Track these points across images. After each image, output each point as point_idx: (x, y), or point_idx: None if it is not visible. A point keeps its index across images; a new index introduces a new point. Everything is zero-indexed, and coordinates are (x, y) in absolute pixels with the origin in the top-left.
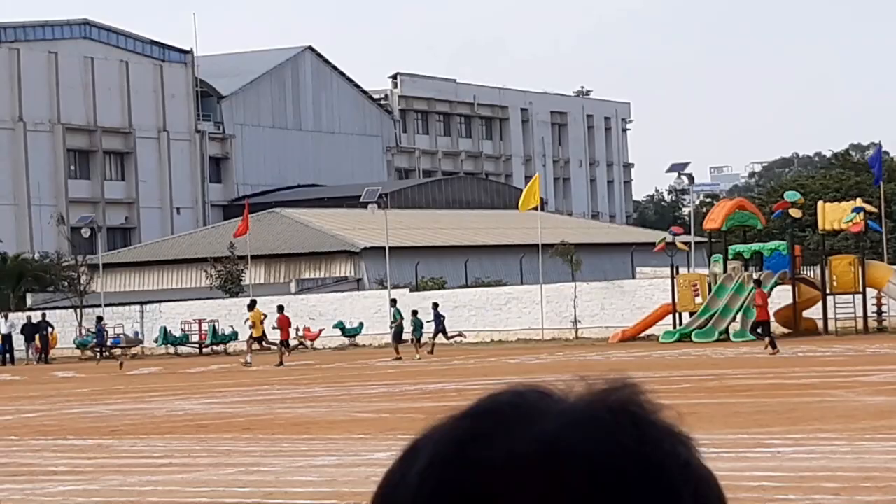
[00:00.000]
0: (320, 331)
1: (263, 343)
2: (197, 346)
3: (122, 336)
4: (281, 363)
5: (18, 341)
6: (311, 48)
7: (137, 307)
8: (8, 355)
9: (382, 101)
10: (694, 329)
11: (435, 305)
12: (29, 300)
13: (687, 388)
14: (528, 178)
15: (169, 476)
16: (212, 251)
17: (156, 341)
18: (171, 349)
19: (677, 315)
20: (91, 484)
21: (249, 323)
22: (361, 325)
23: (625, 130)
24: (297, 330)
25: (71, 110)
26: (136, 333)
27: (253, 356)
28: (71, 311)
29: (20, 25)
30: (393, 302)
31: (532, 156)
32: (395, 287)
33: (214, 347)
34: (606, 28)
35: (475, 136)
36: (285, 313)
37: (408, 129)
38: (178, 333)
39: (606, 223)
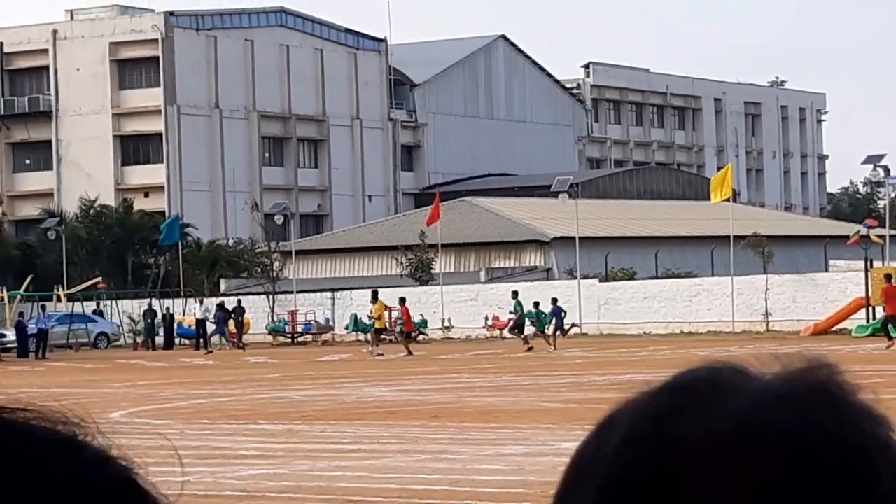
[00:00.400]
0: (509, 320)
1: (382, 335)
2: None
3: (313, 322)
4: (409, 353)
5: (213, 327)
6: (503, 37)
7: (329, 294)
8: (202, 340)
9: (574, 91)
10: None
11: (554, 300)
12: (223, 286)
13: (880, 383)
14: (720, 169)
15: (358, 462)
16: (403, 239)
17: (346, 328)
18: (361, 336)
19: (871, 309)
20: (281, 468)
21: (375, 315)
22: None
23: (819, 121)
24: (487, 319)
25: (266, 98)
26: (327, 320)
27: (382, 346)
28: (263, 297)
29: (217, 13)
30: (514, 294)
31: (725, 146)
32: (585, 277)
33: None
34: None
35: (667, 126)
36: (406, 305)
37: (599, 118)
38: (367, 321)
39: (799, 215)
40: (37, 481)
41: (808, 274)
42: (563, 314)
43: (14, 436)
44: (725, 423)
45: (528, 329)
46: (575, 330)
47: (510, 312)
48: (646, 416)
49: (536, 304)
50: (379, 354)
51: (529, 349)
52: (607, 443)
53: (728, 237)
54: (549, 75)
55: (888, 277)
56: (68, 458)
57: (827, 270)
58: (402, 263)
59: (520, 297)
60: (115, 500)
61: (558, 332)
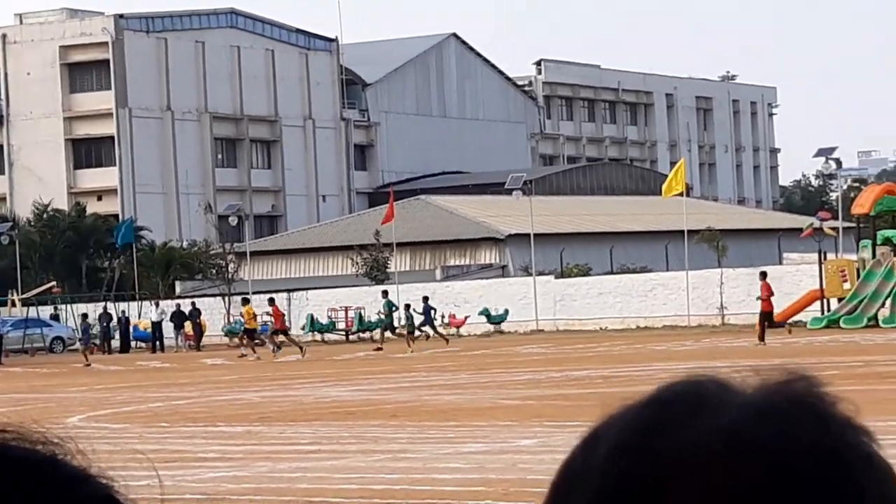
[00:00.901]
0: (465, 318)
1: (253, 337)
2: (343, 333)
3: (269, 323)
4: (277, 347)
5: (167, 329)
6: (455, 35)
7: (284, 294)
8: (157, 342)
9: (526, 88)
10: (842, 315)
11: (425, 299)
12: (178, 288)
13: (836, 375)
14: (672, 164)
15: (318, 462)
16: (358, 239)
17: (303, 328)
18: (318, 336)
19: (825, 301)
20: (241, 470)
21: (245, 318)
22: (507, 311)
23: (771, 115)
24: (443, 317)
25: (218, 99)
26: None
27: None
28: (219, 298)
29: (168, 15)
30: (384, 293)
31: (677, 141)
32: (541, 274)
33: (361, 335)
34: (751, 11)
35: (619, 121)
36: (276, 305)
37: (552, 115)
38: (324, 321)
39: (752, 209)
40: (17, 501)
41: (763, 267)
42: (431, 311)
43: None
44: (709, 436)
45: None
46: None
47: (377, 313)
48: (631, 430)
49: (408, 307)
50: (243, 356)
51: (379, 349)
52: (593, 455)
53: (682, 232)
54: (501, 73)
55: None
56: (47, 478)
57: (781, 263)
58: (357, 263)
59: (389, 297)
60: None
61: (426, 331)
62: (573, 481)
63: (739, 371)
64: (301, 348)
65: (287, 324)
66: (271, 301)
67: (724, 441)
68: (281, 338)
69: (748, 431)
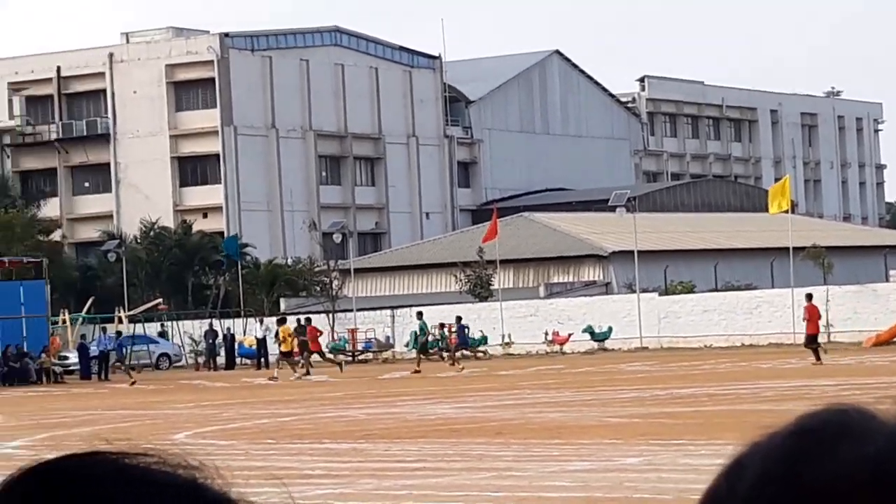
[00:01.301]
0: (569, 335)
1: (289, 359)
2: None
3: (373, 340)
4: (308, 373)
5: (272, 345)
6: (558, 52)
7: (388, 311)
8: (262, 359)
9: (630, 105)
10: None
11: (458, 319)
12: (282, 305)
13: None
14: (777, 181)
15: (423, 480)
16: (461, 256)
17: (406, 345)
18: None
19: None
20: (347, 488)
21: (281, 338)
22: (610, 329)
23: (877, 131)
24: (547, 334)
25: (322, 117)
26: (388, 338)
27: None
28: (323, 315)
29: (272, 33)
30: (419, 315)
31: (782, 158)
32: (644, 291)
33: (465, 352)
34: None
35: (724, 138)
36: (312, 325)
37: (655, 132)
38: (428, 338)
39: (858, 225)
40: None
41: (869, 284)
42: (466, 330)
43: (137, 481)
44: (854, 466)
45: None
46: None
47: (412, 333)
48: (776, 459)
49: (442, 325)
50: (273, 378)
51: (417, 371)
52: (739, 484)
53: (787, 249)
54: (604, 89)
55: (808, 297)
56: (190, 502)
57: (888, 280)
58: (460, 280)
59: (424, 318)
60: None
61: (462, 351)
62: None
63: (881, 400)
64: (340, 365)
65: (320, 345)
66: (308, 321)
67: (870, 471)
68: (314, 358)
69: (894, 462)
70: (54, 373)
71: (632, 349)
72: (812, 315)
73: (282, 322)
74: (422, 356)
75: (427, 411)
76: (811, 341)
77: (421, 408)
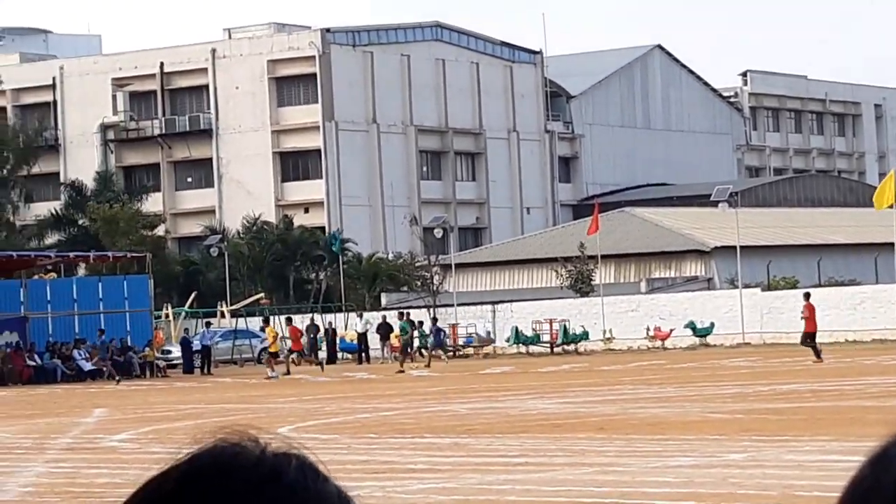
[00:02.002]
0: (671, 330)
1: (277, 358)
2: (548, 345)
3: (474, 335)
4: (288, 372)
5: (373, 340)
6: (659, 46)
7: (489, 307)
8: (364, 354)
9: (732, 99)
10: None
11: (434, 320)
12: (384, 300)
13: None
14: (881, 176)
15: (526, 475)
16: (562, 251)
17: (507, 340)
18: (523, 348)
19: None
20: (450, 482)
21: (269, 339)
22: (713, 324)
23: None
24: (648, 329)
25: (423, 112)
26: (489, 333)
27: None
28: (424, 310)
29: (373, 29)
30: (400, 315)
31: (886, 152)
32: (747, 286)
33: (566, 347)
34: None
35: (827, 133)
36: (294, 324)
37: (758, 126)
38: (529, 333)
39: None
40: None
41: None
42: (442, 333)
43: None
44: None
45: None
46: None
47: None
48: None
49: (420, 324)
50: (272, 377)
51: (400, 371)
52: (886, 473)
53: (892, 244)
54: (706, 84)
55: (807, 295)
56: (292, 481)
57: None
58: (561, 275)
59: (407, 319)
60: None
61: (438, 351)
62: (865, 498)
63: None
64: (321, 365)
65: (301, 344)
66: (289, 321)
67: None
68: (292, 357)
69: None
70: (157, 367)
71: (734, 345)
72: (810, 313)
73: (266, 323)
74: (405, 356)
75: (529, 406)
76: (808, 339)
77: (523, 403)
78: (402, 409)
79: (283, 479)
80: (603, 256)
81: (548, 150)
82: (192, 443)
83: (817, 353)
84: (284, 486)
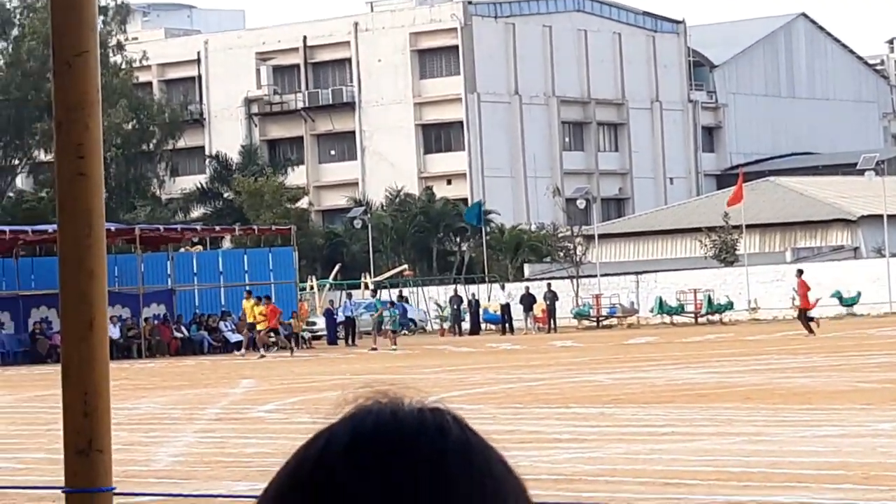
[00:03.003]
0: (817, 300)
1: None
2: (692, 315)
3: (617, 306)
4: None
5: (517, 311)
6: (804, 14)
7: (633, 277)
8: (507, 325)
9: (878, 67)
10: None
11: (400, 297)
12: (526, 271)
13: None
14: None
15: (672, 444)
16: (705, 221)
17: (651, 311)
18: (667, 318)
19: None
20: (595, 452)
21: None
22: (859, 294)
23: None
24: (794, 300)
25: (565, 83)
26: (632, 303)
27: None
28: (568, 281)
29: (515, 0)
30: (374, 293)
31: None
32: (894, 255)
33: (710, 317)
34: None
35: None
36: (272, 303)
37: None
38: (673, 303)
39: None
40: (431, 456)
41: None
42: (405, 310)
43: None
44: None
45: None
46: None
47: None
48: None
49: (392, 303)
50: (262, 356)
51: (374, 349)
52: None
53: None
54: (852, 52)
55: (799, 272)
56: (451, 436)
57: None
58: (705, 245)
59: (378, 297)
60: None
61: (400, 330)
62: None
63: None
64: (291, 350)
65: (278, 323)
66: (268, 299)
67: None
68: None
69: None
70: (302, 338)
71: (881, 314)
72: (803, 290)
73: (249, 296)
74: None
75: (674, 376)
76: (803, 315)
77: (668, 373)
78: (546, 380)
79: (449, 433)
80: (747, 226)
81: (691, 120)
82: (343, 402)
83: (809, 329)
84: (452, 440)
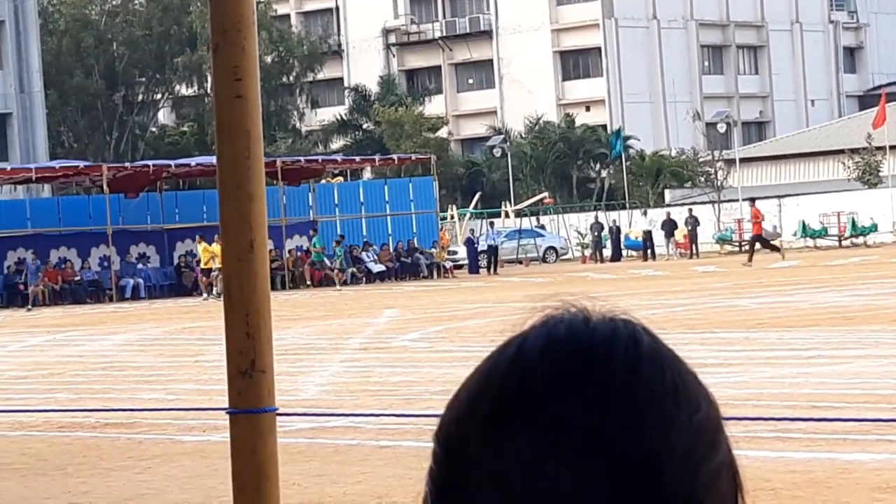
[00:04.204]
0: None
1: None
2: (836, 238)
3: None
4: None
5: (658, 237)
6: None
7: (775, 201)
8: (649, 251)
9: None
10: None
11: (342, 237)
12: (667, 196)
13: None
14: None
15: (818, 368)
16: (848, 143)
17: (794, 234)
18: (810, 242)
19: None
20: (741, 376)
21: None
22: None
23: None
24: None
25: (703, 6)
26: (774, 227)
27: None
28: (709, 206)
29: None
30: (314, 230)
31: None
32: None
33: (854, 240)
34: None
35: None
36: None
37: None
38: (816, 226)
39: None
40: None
41: None
42: (349, 254)
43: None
44: None
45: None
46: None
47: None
48: None
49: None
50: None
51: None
52: None
53: None
54: None
55: (752, 200)
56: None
57: None
58: (848, 167)
59: (317, 236)
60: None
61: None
62: None
63: None
64: (219, 294)
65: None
66: (203, 238)
67: None
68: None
69: None
70: (444, 267)
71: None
72: (757, 217)
73: (202, 240)
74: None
75: (819, 300)
76: (758, 241)
77: (812, 296)
78: (690, 305)
79: (642, 342)
80: (891, 147)
81: (832, 41)
82: (531, 313)
83: (750, 257)
84: (645, 349)
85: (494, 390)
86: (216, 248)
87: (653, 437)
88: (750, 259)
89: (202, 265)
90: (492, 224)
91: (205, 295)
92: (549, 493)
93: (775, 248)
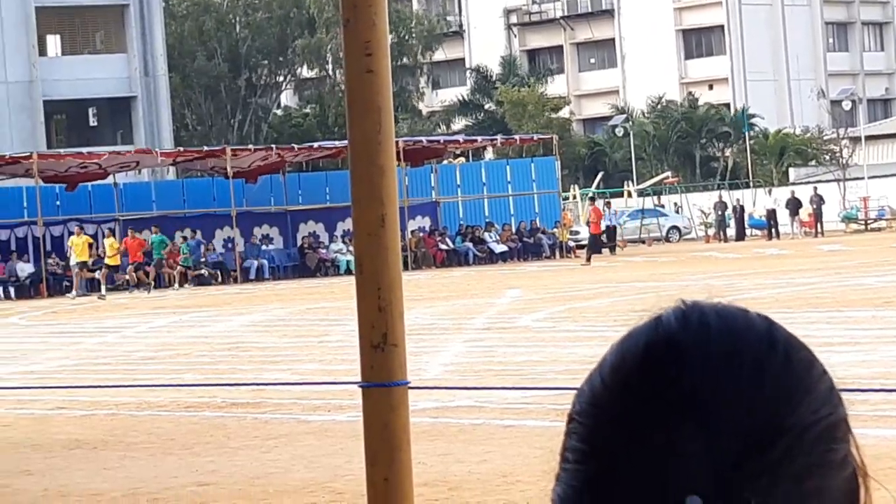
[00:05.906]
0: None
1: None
2: None
3: (886, 208)
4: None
5: (782, 216)
6: None
7: None
8: (773, 230)
9: None
10: None
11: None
12: (791, 175)
13: None
14: None
15: None
16: None
17: None
18: None
19: None
20: (869, 355)
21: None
22: None
23: None
24: None
25: None
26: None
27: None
28: (834, 184)
29: None
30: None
31: None
32: None
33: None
34: None
35: None
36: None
37: None
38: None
39: None
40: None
41: None
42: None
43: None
44: None
45: None
46: None
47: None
48: None
49: (184, 238)
50: (101, 297)
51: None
52: None
53: None
54: None
55: (592, 199)
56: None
57: None
58: None
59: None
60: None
61: (195, 268)
62: None
63: None
64: (149, 287)
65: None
66: (133, 232)
67: None
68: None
69: None
70: (567, 247)
71: None
72: (596, 217)
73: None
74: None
75: None
76: (595, 242)
77: None
78: (815, 284)
79: (775, 335)
80: None
81: None
82: (661, 302)
83: (589, 258)
84: (781, 341)
85: (626, 376)
86: (76, 241)
87: (798, 422)
88: (588, 259)
89: (77, 258)
90: (608, 204)
91: (74, 292)
92: (696, 473)
93: (610, 248)
